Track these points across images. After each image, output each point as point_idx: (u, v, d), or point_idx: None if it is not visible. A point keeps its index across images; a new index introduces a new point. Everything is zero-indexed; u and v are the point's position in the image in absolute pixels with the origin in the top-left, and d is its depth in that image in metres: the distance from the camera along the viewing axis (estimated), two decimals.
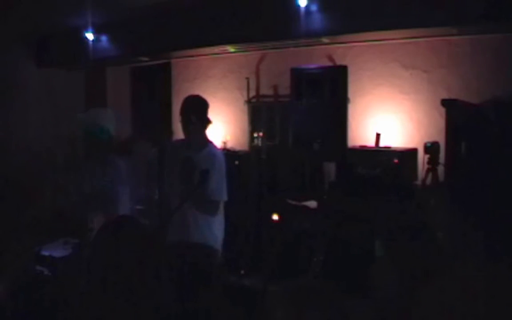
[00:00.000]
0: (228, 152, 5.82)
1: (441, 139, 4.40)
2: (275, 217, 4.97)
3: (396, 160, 4.55)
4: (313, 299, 3.83)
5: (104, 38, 6.18)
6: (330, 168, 5.24)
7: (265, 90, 5.94)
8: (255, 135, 5.83)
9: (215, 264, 3.29)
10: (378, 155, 4.69)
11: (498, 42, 4.51)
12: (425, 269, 3.82)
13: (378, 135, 4.92)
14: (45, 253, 3.69)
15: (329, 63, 5.38)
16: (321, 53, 5.42)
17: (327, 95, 4.88)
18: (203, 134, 3.39)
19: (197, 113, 3.34)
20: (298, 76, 5.07)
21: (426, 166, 4.37)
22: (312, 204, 4.89)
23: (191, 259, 3.13)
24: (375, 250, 4.23)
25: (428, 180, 4.32)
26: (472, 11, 3.97)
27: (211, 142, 3.42)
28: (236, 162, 5.65)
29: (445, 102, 4.29)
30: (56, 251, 3.79)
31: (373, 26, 4.52)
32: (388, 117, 5.10)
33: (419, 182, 4.50)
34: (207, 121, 3.39)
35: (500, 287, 3.53)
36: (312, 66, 5.14)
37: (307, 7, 4.59)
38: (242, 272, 5.03)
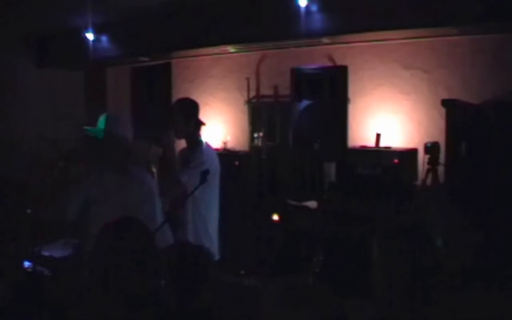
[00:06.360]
0: (228, 152, 5.83)
1: (441, 139, 4.40)
2: (275, 217, 4.98)
3: (396, 160, 4.55)
4: (312, 299, 3.83)
5: (104, 38, 6.17)
6: (330, 168, 5.24)
7: (265, 90, 5.94)
8: (255, 135, 5.83)
9: (211, 264, 3.30)
10: (378, 155, 4.69)
11: (498, 42, 4.52)
12: (424, 269, 3.82)
13: (378, 135, 4.92)
14: (45, 253, 3.69)
15: (329, 63, 5.38)
16: (321, 53, 5.41)
17: (327, 95, 4.88)
18: (196, 135, 3.42)
19: (187, 114, 3.37)
20: (298, 76, 5.07)
21: (426, 166, 4.36)
22: (312, 204, 4.89)
23: (188, 259, 3.15)
24: (374, 250, 4.24)
25: (428, 180, 4.32)
26: (472, 11, 3.97)
27: (205, 142, 3.45)
28: (236, 163, 5.65)
29: (445, 102, 4.29)
30: (56, 251, 3.79)
31: (373, 26, 4.52)
32: (388, 117, 5.10)
33: (419, 182, 4.50)
34: (199, 123, 3.43)
35: (499, 287, 3.53)
36: (312, 66, 5.14)
37: (307, 7, 4.59)
38: (242, 272, 5.03)
